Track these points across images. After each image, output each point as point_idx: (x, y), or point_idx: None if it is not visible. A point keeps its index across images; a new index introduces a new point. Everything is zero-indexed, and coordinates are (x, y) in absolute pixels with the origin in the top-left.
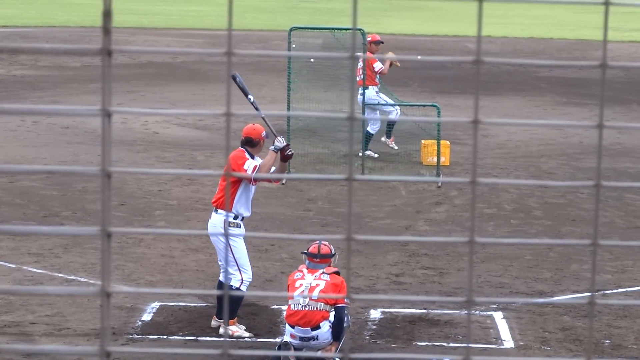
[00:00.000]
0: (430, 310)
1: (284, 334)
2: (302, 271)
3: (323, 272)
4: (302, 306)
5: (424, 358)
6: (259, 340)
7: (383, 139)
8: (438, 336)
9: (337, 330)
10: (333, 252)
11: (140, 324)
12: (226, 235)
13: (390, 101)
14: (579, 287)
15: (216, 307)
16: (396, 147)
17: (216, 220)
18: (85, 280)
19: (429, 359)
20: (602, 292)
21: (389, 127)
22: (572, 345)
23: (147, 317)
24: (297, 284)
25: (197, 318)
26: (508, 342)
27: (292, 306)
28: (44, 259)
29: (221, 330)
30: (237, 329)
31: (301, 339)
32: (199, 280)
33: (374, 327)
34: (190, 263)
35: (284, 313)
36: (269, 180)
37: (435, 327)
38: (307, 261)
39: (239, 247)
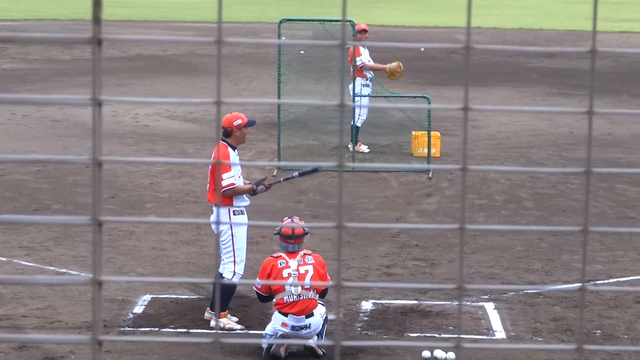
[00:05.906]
0: (422, 302)
1: (272, 324)
2: (283, 258)
3: (306, 255)
4: (296, 296)
5: (414, 345)
6: (250, 332)
7: (350, 146)
8: (429, 327)
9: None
10: (306, 231)
11: (131, 317)
12: (231, 224)
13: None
14: (570, 277)
15: (210, 299)
16: (367, 150)
17: (220, 212)
18: (76, 273)
19: (419, 346)
20: (593, 282)
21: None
22: (564, 336)
23: (138, 309)
24: (284, 274)
25: (189, 310)
26: (499, 333)
27: (285, 298)
28: (34, 252)
29: (212, 323)
30: (229, 321)
31: (293, 327)
32: (190, 272)
33: (366, 318)
34: (182, 255)
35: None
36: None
37: (426, 318)
38: (280, 242)
39: (240, 238)
